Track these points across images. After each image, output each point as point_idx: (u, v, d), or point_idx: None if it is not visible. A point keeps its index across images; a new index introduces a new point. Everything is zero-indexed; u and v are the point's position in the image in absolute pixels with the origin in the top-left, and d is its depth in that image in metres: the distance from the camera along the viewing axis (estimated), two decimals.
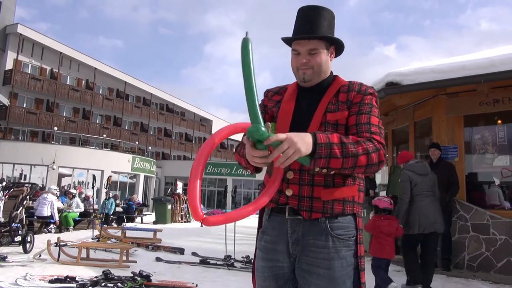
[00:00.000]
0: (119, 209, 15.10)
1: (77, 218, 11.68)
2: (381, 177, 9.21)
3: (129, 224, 13.18)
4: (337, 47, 1.54)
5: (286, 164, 1.22)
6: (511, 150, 5.98)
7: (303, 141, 1.21)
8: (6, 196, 7.22)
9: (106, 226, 10.31)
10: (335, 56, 1.57)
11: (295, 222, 1.44)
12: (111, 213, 13.50)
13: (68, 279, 4.50)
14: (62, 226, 10.90)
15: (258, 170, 1.50)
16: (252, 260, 1.61)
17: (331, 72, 1.56)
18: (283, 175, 1.43)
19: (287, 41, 1.52)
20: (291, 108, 1.51)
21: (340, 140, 1.28)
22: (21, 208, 7.23)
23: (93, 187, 10.03)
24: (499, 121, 6.09)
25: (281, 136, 1.19)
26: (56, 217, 10.32)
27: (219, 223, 1.27)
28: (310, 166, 1.27)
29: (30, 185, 7.90)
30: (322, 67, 1.49)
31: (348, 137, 1.32)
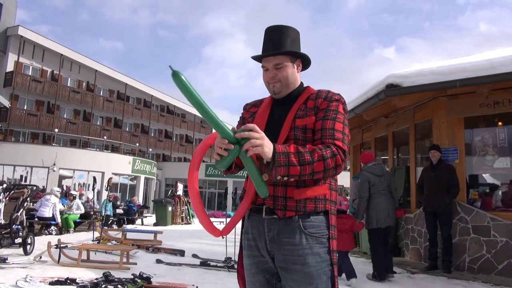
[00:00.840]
0: (119, 211, 15.09)
1: (78, 220, 11.68)
2: None
3: (129, 226, 13.18)
4: (304, 61, 1.69)
5: (250, 151, 1.33)
6: (511, 152, 5.98)
7: (269, 145, 1.36)
8: (7, 198, 7.22)
9: (106, 228, 10.31)
10: (304, 69, 1.72)
11: (271, 221, 1.55)
12: (110, 215, 13.46)
13: (68, 281, 4.50)
14: (63, 228, 10.90)
15: (229, 169, 1.61)
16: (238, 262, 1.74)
17: (301, 83, 1.70)
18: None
19: (257, 59, 1.66)
20: (265, 118, 1.66)
21: (297, 150, 1.41)
22: (21, 210, 7.24)
23: (93, 189, 10.04)
24: (500, 123, 6.09)
25: (257, 128, 1.36)
26: (59, 219, 10.30)
27: (231, 229, 1.56)
28: (272, 175, 1.39)
29: (31, 187, 7.90)
30: (289, 79, 1.63)
31: (305, 147, 1.44)
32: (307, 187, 1.51)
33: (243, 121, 1.77)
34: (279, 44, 1.60)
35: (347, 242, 4.91)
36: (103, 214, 12.36)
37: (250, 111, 1.77)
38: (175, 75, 1.19)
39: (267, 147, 1.35)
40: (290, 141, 1.54)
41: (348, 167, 12.81)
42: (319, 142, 1.50)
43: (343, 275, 4.86)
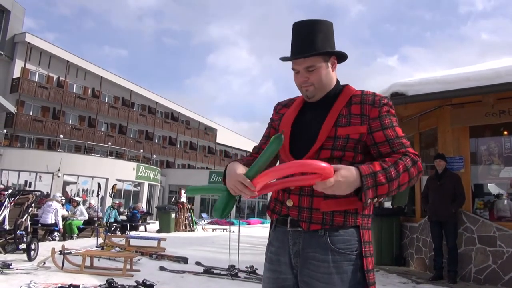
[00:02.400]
0: (123, 217, 15.09)
1: (81, 226, 11.70)
2: None
3: (133, 233, 13.18)
4: (339, 56, 1.52)
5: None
6: None
7: (349, 186, 1.27)
8: (12, 204, 7.25)
9: (110, 234, 10.31)
10: (340, 62, 1.55)
11: (295, 234, 1.43)
12: (111, 221, 13.45)
13: (72, 287, 4.50)
14: (66, 234, 10.92)
15: None
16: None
17: (338, 81, 1.53)
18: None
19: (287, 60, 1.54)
20: (290, 122, 1.53)
21: (382, 167, 1.31)
22: (26, 215, 7.26)
23: (97, 195, 10.07)
24: (505, 132, 6.06)
25: (329, 183, 1.24)
26: (60, 225, 10.33)
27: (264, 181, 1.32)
28: (362, 200, 1.29)
29: (37, 193, 7.93)
30: (323, 81, 1.48)
31: (385, 161, 1.35)
32: (337, 199, 1.37)
33: (271, 123, 1.65)
34: (310, 44, 1.42)
35: None
36: (107, 220, 12.35)
37: (279, 113, 1.62)
38: (278, 137, 1.27)
39: (344, 184, 1.25)
40: (327, 151, 1.40)
41: None
42: (391, 154, 1.40)
43: None
